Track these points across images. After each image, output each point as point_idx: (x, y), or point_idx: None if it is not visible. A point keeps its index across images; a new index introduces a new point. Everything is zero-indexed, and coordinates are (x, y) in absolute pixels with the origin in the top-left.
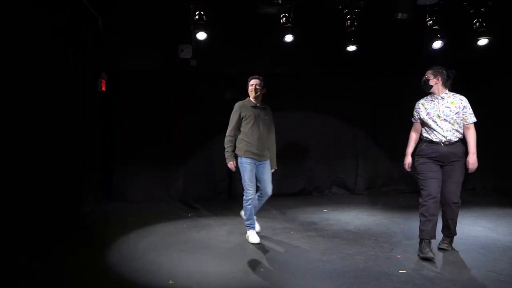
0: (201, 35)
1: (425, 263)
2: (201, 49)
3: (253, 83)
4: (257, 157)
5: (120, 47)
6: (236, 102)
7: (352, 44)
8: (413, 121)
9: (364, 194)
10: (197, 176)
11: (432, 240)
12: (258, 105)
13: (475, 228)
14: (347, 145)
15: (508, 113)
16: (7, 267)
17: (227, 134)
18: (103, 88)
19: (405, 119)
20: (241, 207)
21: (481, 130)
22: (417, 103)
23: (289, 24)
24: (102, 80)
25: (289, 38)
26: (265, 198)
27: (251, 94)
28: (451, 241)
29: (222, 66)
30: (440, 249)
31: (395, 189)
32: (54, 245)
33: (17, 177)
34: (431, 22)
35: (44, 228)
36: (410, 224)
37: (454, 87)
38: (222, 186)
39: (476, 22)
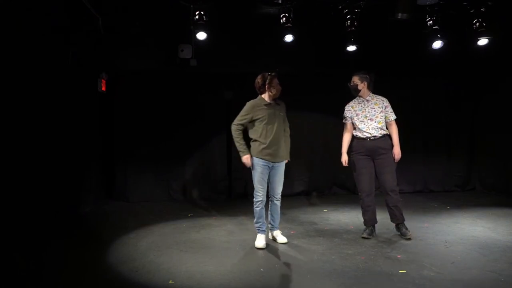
0: (201, 35)
1: (425, 263)
2: (201, 49)
3: (277, 81)
4: (272, 158)
5: (120, 47)
6: (235, 102)
7: (352, 44)
8: (345, 121)
9: None
10: (197, 176)
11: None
12: (272, 102)
13: (475, 228)
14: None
15: (508, 112)
16: (7, 267)
17: (234, 122)
18: (103, 88)
19: (405, 118)
20: (240, 207)
21: (480, 129)
22: (347, 106)
23: (289, 24)
24: (102, 80)
25: (289, 38)
26: (275, 201)
27: (277, 92)
28: (405, 227)
29: (222, 66)
30: (406, 239)
31: None
32: (54, 245)
33: (17, 177)
34: (431, 22)
35: (44, 228)
36: (410, 224)
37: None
38: (222, 186)
39: (476, 22)
